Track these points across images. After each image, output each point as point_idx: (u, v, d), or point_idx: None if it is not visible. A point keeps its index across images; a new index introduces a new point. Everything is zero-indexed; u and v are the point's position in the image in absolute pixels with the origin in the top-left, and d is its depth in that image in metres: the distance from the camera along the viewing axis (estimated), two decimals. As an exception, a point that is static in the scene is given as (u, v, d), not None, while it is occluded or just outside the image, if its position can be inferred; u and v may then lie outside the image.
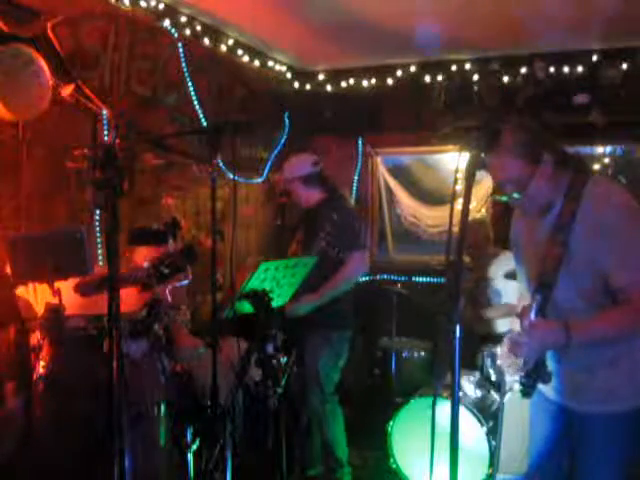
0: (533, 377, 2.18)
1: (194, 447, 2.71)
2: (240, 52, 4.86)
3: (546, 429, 2.35)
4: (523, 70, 5.09)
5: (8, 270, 2.66)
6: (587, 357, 2.16)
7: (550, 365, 2.20)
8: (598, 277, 2.08)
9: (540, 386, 2.28)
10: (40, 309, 2.83)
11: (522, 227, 2.40)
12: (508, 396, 3.56)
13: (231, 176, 4.53)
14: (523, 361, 2.19)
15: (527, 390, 2.21)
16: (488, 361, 3.93)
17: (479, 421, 3.57)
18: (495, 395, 3.83)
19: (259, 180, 5.40)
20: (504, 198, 2.24)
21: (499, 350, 3.67)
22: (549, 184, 2.17)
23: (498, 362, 3.82)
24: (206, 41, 4.50)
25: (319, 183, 3.85)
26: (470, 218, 4.54)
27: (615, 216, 2.07)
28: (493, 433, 3.55)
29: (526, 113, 4.97)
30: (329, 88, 5.72)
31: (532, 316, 2.12)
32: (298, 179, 3.83)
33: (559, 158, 2.19)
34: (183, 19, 4.24)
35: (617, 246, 2.05)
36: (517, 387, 2.28)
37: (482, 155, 1.90)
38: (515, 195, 2.19)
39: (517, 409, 3.44)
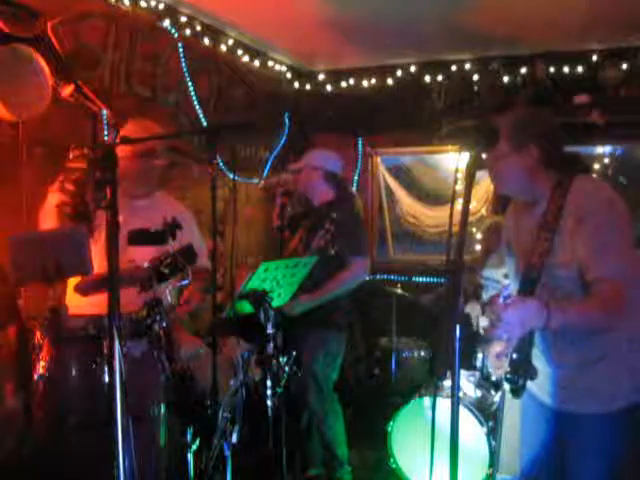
0: (519, 373, 2.18)
1: (194, 447, 2.71)
2: (240, 52, 4.87)
3: (538, 431, 2.35)
4: (523, 70, 5.09)
5: (8, 270, 2.66)
6: (575, 358, 2.17)
7: (538, 365, 2.20)
8: (577, 274, 2.09)
9: (532, 388, 2.29)
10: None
11: (513, 223, 2.42)
12: (508, 395, 3.56)
13: (231, 176, 4.53)
14: (507, 353, 2.19)
15: (516, 388, 2.21)
16: (488, 361, 3.93)
17: (479, 421, 3.57)
18: (495, 395, 3.83)
19: (259, 180, 5.40)
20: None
21: (490, 348, 3.67)
22: (525, 174, 2.19)
23: (487, 360, 3.82)
24: (206, 41, 4.50)
25: (336, 185, 3.87)
26: (494, 221, 4.61)
27: (595, 211, 2.09)
28: (493, 433, 3.55)
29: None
30: (329, 88, 5.72)
31: (500, 301, 2.13)
32: (322, 171, 3.83)
33: (550, 157, 2.19)
34: (183, 19, 4.24)
35: (593, 239, 2.06)
36: (506, 387, 2.28)
37: (482, 155, 1.91)
38: None
39: (517, 409, 3.43)
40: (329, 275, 3.64)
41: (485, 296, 4.33)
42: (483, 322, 4.27)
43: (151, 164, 3.05)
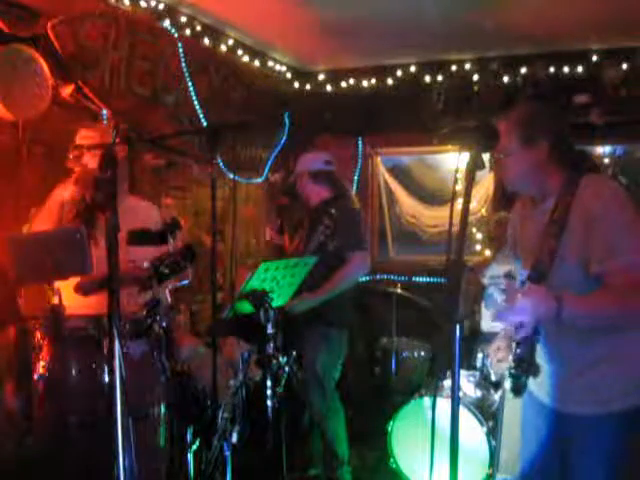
0: (522, 369, 2.18)
1: (194, 447, 2.71)
2: (240, 52, 4.86)
3: (538, 431, 2.34)
4: (523, 70, 5.09)
5: (8, 270, 2.66)
6: (577, 358, 2.16)
7: (540, 364, 2.20)
8: (587, 271, 2.09)
9: (532, 389, 2.28)
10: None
11: (518, 219, 2.42)
12: (508, 395, 3.56)
13: (231, 176, 4.53)
14: (513, 344, 2.19)
15: (517, 385, 2.21)
16: (488, 361, 3.93)
17: (479, 421, 3.57)
18: (495, 395, 3.83)
19: (259, 180, 5.40)
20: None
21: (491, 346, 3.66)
22: (539, 170, 2.18)
23: (489, 355, 3.81)
24: (206, 41, 4.50)
25: (328, 182, 3.89)
26: (502, 215, 4.61)
27: (606, 210, 2.08)
28: (493, 433, 3.55)
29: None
30: (329, 88, 5.72)
31: (516, 285, 2.13)
32: (307, 174, 3.87)
33: (559, 152, 2.19)
34: (183, 19, 4.24)
35: (605, 237, 2.05)
36: (508, 384, 2.28)
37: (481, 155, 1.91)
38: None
39: (517, 409, 3.43)
40: (331, 272, 3.65)
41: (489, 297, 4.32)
42: (485, 322, 4.27)
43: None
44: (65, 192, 2.95)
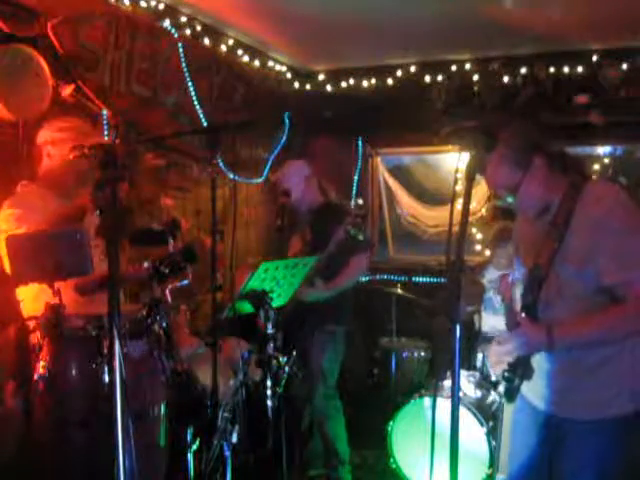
0: (517, 373, 2.19)
1: (194, 447, 2.71)
2: (240, 52, 4.86)
3: (530, 437, 2.32)
4: (523, 70, 5.09)
5: (8, 270, 2.66)
6: (573, 363, 2.16)
7: (536, 369, 2.20)
8: (589, 277, 2.08)
9: (526, 393, 2.28)
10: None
11: (522, 227, 2.41)
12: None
13: (231, 176, 4.53)
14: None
15: (510, 389, 2.21)
16: (488, 361, 3.93)
17: (479, 421, 3.57)
18: (495, 395, 3.83)
19: (259, 180, 5.40)
20: (499, 202, 2.26)
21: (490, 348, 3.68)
22: (541, 187, 2.17)
23: (488, 357, 3.83)
24: (206, 41, 4.50)
25: (319, 186, 4.02)
26: (502, 225, 4.60)
27: (610, 215, 2.06)
28: (493, 433, 3.56)
29: (526, 113, 4.98)
30: (329, 88, 5.72)
31: (510, 280, 2.15)
32: (304, 179, 3.94)
33: (555, 161, 2.19)
34: (183, 19, 4.24)
35: (612, 245, 2.04)
36: (501, 388, 2.29)
37: (481, 156, 1.91)
38: (509, 199, 2.20)
39: (517, 409, 3.44)
40: (338, 268, 3.71)
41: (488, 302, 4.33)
42: (485, 321, 4.27)
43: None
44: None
